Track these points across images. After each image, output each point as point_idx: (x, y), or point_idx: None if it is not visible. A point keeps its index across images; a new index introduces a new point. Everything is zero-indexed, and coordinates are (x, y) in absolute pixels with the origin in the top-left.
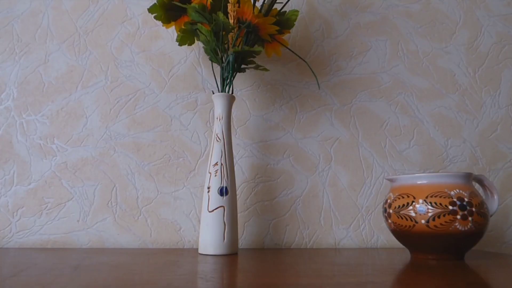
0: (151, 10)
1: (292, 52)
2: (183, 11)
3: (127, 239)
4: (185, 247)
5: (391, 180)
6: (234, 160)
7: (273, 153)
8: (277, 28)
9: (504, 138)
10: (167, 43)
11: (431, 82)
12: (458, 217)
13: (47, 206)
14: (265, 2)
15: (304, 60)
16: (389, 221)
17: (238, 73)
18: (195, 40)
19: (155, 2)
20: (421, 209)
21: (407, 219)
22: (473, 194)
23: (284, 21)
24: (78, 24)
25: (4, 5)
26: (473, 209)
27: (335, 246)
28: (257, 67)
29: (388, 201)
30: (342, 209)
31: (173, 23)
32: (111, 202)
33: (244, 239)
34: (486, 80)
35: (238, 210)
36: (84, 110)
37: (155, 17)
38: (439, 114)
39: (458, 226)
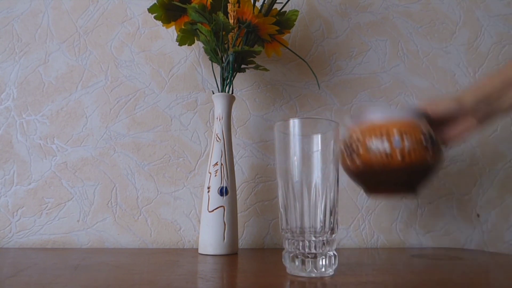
0: (151, 10)
1: (292, 52)
2: (183, 11)
3: (127, 239)
4: (185, 247)
5: (360, 118)
6: (234, 160)
7: (273, 153)
8: (277, 28)
9: (504, 138)
10: (167, 43)
11: (431, 82)
12: (429, 149)
13: (47, 206)
14: (265, 2)
15: (304, 60)
16: (357, 161)
17: (238, 73)
18: (195, 40)
19: (155, 2)
20: (397, 143)
21: (382, 156)
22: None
23: (284, 21)
24: (78, 24)
25: (4, 5)
26: (435, 140)
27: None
28: (257, 67)
29: (357, 139)
30: (342, 209)
31: (173, 23)
32: (111, 202)
33: (244, 239)
34: None
35: (238, 210)
36: (84, 110)
37: (155, 17)
38: None
39: (428, 158)
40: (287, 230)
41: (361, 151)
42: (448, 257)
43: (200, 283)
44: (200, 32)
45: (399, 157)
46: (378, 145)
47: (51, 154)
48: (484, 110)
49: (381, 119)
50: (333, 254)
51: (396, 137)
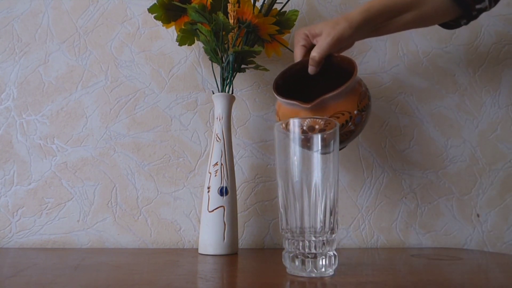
0: (151, 10)
1: (292, 52)
2: (183, 11)
3: (127, 239)
4: (185, 247)
5: (313, 105)
6: (234, 160)
7: (273, 153)
8: (277, 28)
9: (504, 138)
10: (167, 43)
11: (431, 82)
12: (371, 102)
13: (47, 206)
14: (265, 2)
15: None
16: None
17: (238, 73)
18: (195, 40)
19: (155, 2)
20: (359, 120)
21: (347, 135)
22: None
23: (284, 21)
24: (78, 24)
25: (4, 5)
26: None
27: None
28: (257, 67)
29: (316, 126)
30: (342, 209)
31: (173, 23)
32: (111, 202)
33: (244, 239)
34: (486, 80)
35: (238, 210)
36: (84, 110)
37: (155, 17)
38: (439, 114)
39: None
40: (287, 230)
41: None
42: (448, 257)
43: (200, 283)
44: (200, 32)
45: (359, 128)
46: (344, 128)
47: (51, 154)
48: (365, 31)
49: (336, 100)
50: (333, 254)
51: (357, 117)
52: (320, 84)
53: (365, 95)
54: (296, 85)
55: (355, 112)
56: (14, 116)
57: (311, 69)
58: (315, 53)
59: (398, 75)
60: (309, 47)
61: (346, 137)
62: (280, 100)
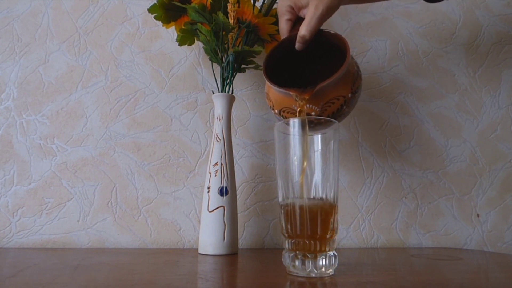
0: (151, 10)
1: None
2: (183, 11)
3: (127, 239)
4: (185, 247)
5: (307, 91)
6: (234, 160)
7: (273, 153)
8: (277, 28)
9: (504, 138)
10: (167, 43)
11: (431, 82)
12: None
13: (47, 206)
14: (265, 2)
15: None
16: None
17: (238, 73)
18: (195, 40)
19: (155, 2)
20: (352, 102)
21: (341, 116)
22: None
23: None
24: (78, 24)
25: (4, 5)
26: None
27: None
28: (257, 67)
29: (313, 113)
30: (342, 209)
31: (173, 23)
32: (111, 202)
33: (244, 239)
34: (486, 80)
35: (238, 210)
36: (84, 110)
37: (155, 17)
38: (439, 114)
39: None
40: (287, 230)
41: (322, 121)
42: (448, 257)
43: (200, 283)
44: (200, 32)
45: (352, 108)
46: (338, 112)
47: (51, 154)
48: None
49: (331, 87)
50: (333, 254)
51: (351, 99)
52: (307, 56)
53: (357, 75)
54: (283, 59)
55: (349, 95)
56: (14, 116)
57: (298, 46)
58: (305, 32)
59: (398, 75)
60: (295, 20)
61: (339, 119)
62: (274, 88)
